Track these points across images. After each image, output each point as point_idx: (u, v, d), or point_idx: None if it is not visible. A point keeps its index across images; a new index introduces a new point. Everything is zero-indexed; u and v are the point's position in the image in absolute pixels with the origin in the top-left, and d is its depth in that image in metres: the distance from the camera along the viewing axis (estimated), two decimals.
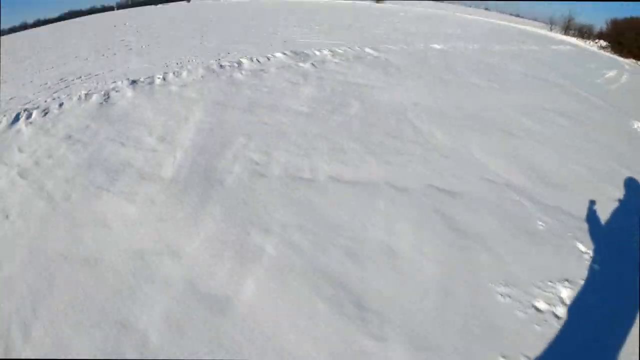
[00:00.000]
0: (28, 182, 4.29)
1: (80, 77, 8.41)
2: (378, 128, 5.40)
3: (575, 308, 2.76)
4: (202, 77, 7.28)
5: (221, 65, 8.11)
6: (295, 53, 9.41)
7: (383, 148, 4.79)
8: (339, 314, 2.60)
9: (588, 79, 11.55)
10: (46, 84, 8.63)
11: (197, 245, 3.16)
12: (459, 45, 13.49)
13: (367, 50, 10.49)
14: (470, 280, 2.91)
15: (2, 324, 2.64)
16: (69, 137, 5.12)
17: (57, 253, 3.20)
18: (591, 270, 3.11)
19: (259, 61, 8.63)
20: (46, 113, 6.23)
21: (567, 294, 2.86)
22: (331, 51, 9.93)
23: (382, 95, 6.89)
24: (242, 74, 7.64)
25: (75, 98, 6.52)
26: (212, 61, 8.63)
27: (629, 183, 4.54)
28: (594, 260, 3.22)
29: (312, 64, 8.54)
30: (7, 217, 3.83)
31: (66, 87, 7.75)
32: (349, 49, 10.34)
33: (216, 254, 3.08)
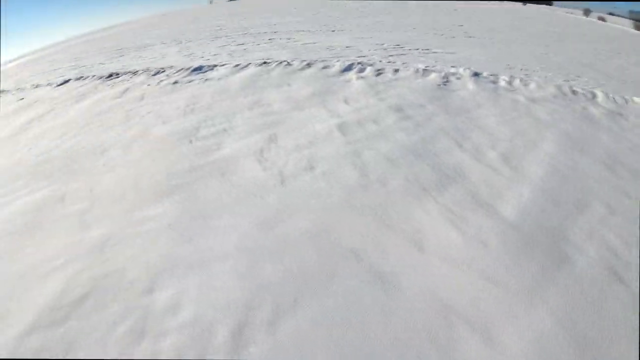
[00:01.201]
0: (345, 141, 3.80)
1: (418, 49, 7.96)
2: None
3: None
4: (553, 96, 5.87)
5: (574, 91, 6.51)
6: None
7: None
8: None
9: None
10: (383, 44, 8.51)
11: (521, 341, 2.00)
12: None
13: None
14: None
15: (258, 291, 2.14)
16: (400, 109, 4.49)
17: (349, 247, 2.52)
18: None
19: (615, 100, 6.68)
20: (380, 73, 5.87)
21: None
22: None
23: None
24: (597, 110, 5.92)
25: (412, 69, 5.98)
26: (562, 81, 7.08)
27: None
28: None
29: None
30: (311, 168, 3.38)
31: (402, 54, 7.38)
32: None
33: None
